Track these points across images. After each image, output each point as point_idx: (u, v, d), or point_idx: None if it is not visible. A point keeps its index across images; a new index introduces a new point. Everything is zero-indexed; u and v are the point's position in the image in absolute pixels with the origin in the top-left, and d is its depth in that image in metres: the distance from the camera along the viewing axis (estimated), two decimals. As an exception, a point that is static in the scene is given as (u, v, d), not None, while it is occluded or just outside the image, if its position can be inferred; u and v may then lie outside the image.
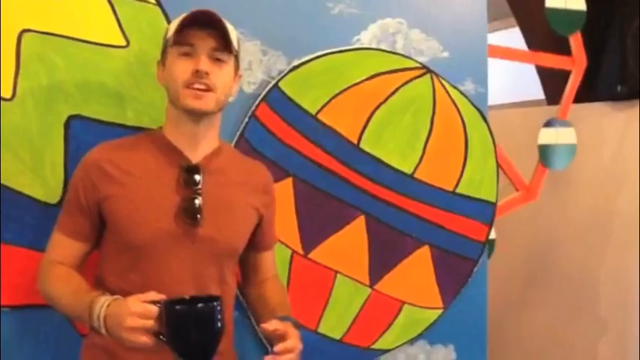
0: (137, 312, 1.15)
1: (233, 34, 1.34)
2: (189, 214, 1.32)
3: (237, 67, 1.39)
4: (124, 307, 1.16)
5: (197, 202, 1.32)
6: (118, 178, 1.32)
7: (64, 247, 1.36)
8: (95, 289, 1.28)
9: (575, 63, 2.27)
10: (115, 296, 1.21)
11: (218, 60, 1.31)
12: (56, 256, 1.36)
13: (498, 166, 2.06)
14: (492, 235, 2.10)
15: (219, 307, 1.17)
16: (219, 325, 1.16)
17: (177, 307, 1.15)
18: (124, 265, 1.33)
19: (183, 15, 1.30)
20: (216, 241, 1.35)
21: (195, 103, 1.29)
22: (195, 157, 1.37)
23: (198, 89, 1.29)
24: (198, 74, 1.28)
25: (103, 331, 1.18)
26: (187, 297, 1.19)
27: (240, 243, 1.43)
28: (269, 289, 1.52)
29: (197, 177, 1.34)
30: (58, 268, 1.34)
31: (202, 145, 1.37)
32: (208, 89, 1.29)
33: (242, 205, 1.42)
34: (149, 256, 1.31)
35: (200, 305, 1.16)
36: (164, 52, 1.36)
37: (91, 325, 1.23)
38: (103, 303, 1.19)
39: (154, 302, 1.16)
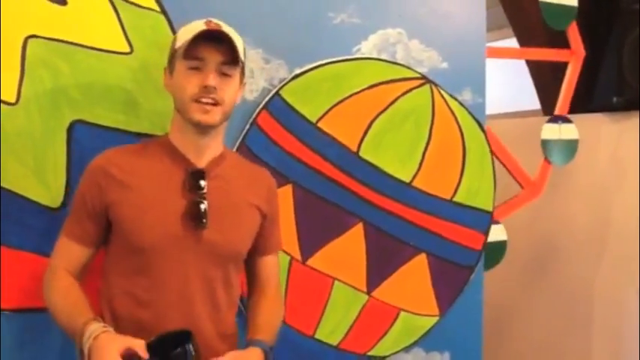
0: None
1: (240, 45, 1.36)
2: (196, 218, 1.34)
3: (242, 77, 1.42)
4: (104, 352, 1.18)
5: (202, 206, 1.35)
6: (125, 182, 1.34)
7: (68, 251, 1.38)
8: (90, 306, 1.30)
9: (574, 54, 2.28)
10: (105, 328, 1.23)
11: (225, 74, 1.35)
12: (60, 261, 1.38)
13: (503, 165, 2.11)
14: (504, 237, 2.13)
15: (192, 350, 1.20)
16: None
17: None
18: (130, 267, 1.35)
19: (194, 29, 1.32)
20: (220, 245, 1.38)
21: (203, 117, 1.33)
22: (201, 163, 1.40)
23: (206, 103, 1.32)
24: (206, 89, 1.32)
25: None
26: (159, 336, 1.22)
27: (243, 246, 1.45)
28: (262, 307, 1.48)
29: (202, 182, 1.36)
30: (60, 277, 1.35)
31: (207, 152, 1.41)
32: (216, 103, 1.33)
33: (246, 208, 1.44)
34: (155, 259, 1.34)
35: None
36: (172, 61, 1.38)
37: (79, 349, 1.23)
38: (92, 333, 1.21)
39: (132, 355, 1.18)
